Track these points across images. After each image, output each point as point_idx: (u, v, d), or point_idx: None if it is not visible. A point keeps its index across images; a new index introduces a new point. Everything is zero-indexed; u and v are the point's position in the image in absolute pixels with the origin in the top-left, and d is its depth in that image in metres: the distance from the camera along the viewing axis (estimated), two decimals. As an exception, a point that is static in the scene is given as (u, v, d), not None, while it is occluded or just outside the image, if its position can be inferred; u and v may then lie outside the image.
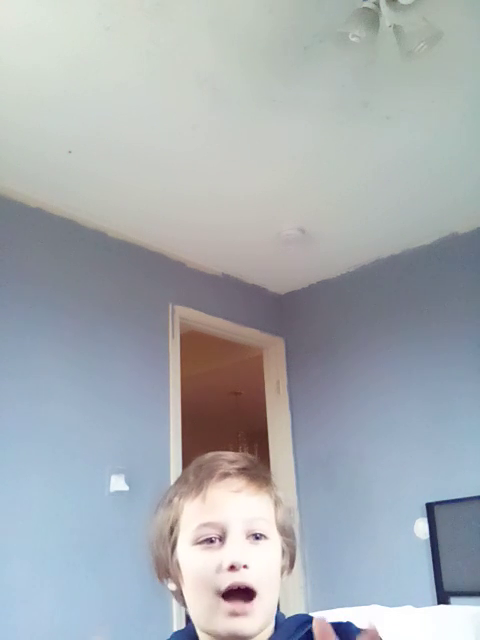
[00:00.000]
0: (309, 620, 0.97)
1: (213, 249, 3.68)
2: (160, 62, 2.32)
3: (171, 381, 3.42)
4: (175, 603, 2.98)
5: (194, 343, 3.96)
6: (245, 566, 0.89)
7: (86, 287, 3.19)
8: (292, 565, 1.00)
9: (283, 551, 0.97)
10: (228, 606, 0.87)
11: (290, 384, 4.06)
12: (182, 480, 0.99)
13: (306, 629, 0.95)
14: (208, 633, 0.92)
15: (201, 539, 0.91)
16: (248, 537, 0.92)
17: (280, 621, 0.96)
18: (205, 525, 0.92)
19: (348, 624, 0.93)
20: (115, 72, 2.36)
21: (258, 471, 0.99)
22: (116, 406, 3.13)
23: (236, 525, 0.91)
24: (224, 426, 6.58)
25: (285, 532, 0.98)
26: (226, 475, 0.95)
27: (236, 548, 0.90)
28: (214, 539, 0.91)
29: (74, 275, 3.16)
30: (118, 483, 2.99)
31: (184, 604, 0.98)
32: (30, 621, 2.55)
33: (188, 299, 3.65)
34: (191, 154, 2.83)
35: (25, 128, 2.63)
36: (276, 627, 0.95)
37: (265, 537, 0.93)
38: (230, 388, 6.19)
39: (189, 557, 0.92)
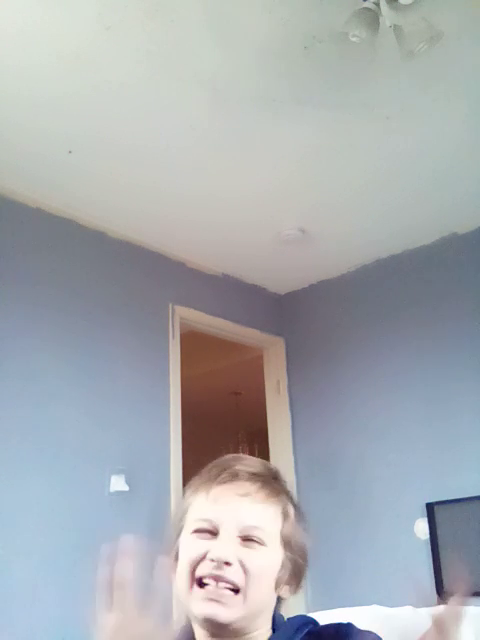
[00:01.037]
0: (309, 621, 0.97)
1: (213, 249, 3.68)
2: (160, 62, 2.32)
3: (171, 381, 3.42)
4: (175, 603, 2.98)
5: (194, 343, 3.96)
6: (227, 563, 0.90)
7: (86, 287, 3.18)
8: (297, 584, 0.99)
9: (283, 564, 0.97)
10: (201, 591, 0.90)
11: (290, 384, 4.06)
12: (199, 475, 1.02)
13: (306, 631, 0.95)
14: (191, 617, 0.95)
15: (197, 530, 0.95)
16: (242, 539, 0.93)
17: (279, 622, 0.96)
18: (202, 519, 0.95)
19: (349, 625, 0.93)
20: (115, 72, 2.36)
21: (273, 480, 1.00)
22: (116, 406, 3.13)
23: (230, 525, 0.93)
24: (224, 426, 6.57)
25: (290, 547, 0.98)
26: (235, 477, 0.97)
27: (223, 545, 0.92)
28: (208, 531, 0.94)
29: (74, 275, 3.15)
30: (118, 483, 2.99)
31: None
32: (30, 621, 2.55)
33: (188, 299, 3.65)
34: (191, 154, 2.83)
35: (25, 128, 2.62)
36: (275, 629, 0.95)
37: (260, 543, 0.94)
38: (230, 388, 6.19)
39: (185, 543, 0.97)
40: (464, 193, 3.20)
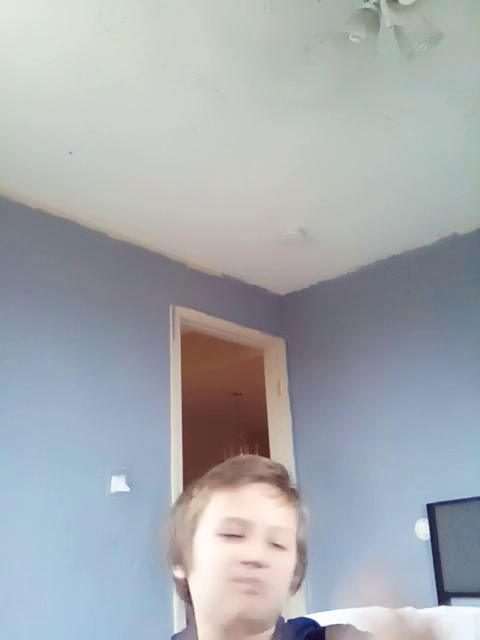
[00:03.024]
0: (310, 623, 0.97)
1: (213, 250, 3.68)
2: (160, 62, 2.32)
3: (172, 382, 3.42)
4: (176, 604, 2.98)
5: (195, 344, 3.96)
6: (262, 566, 0.90)
7: (87, 288, 3.18)
8: (298, 587, 1.00)
9: (296, 568, 0.98)
10: (241, 585, 0.89)
11: (291, 385, 4.06)
12: (216, 474, 0.99)
13: (306, 633, 0.94)
14: (214, 621, 0.92)
15: (225, 531, 0.93)
16: (268, 543, 0.93)
17: (280, 624, 0.96)
18: (232, 519, 0.93)
19: (349, 627, 0.93)
20: (115, 72, 2.36)
21: (290, 483, 1.00)
22: (117, 407, 3.13)
23: (261, 528, 0.93)
24: (225, 427, 6.57)
25: (301, 550, 0.99)
26: (262, 478, 0.97)
27: (258, 548, 0.91)
28: (237, 534, 0.92)
29: (75, 276, 3.15)
30: (119, 484, 2.99)
31: (185, 596, 0.98)
32: (30, 621, 2.55)
33: (189, 300, 3.65)
34: (191, 154, 2.83)
35: (26, 128, 2.62)
36: (275, 632, 0.95)
37: (283, 548, 0.94)
38: (231, 389, 6.19)
39: (209, 546, 0.94)
40: (464, 193, 3.20)
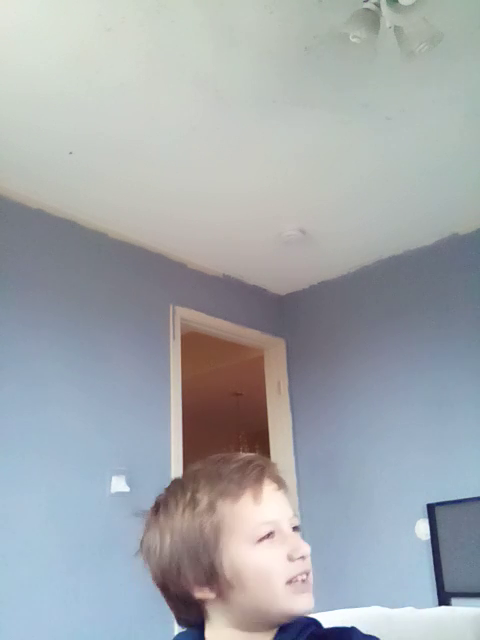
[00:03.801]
0: (312, 622, 0.97)
1: (214, 250, 3.68)
2: (160, 62, 2.32)
3: (172, 382, 3.42)
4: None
5: (195, 344, 3.96)
6: (308, 555, 0.94)
7: (86, 289, 3.18)
8: None
9: None
10: (303, 585, 0.93)
11: (291, 385, 4.06)
12: (222, 485, 0.95)
13: (309, 632, 0.94)
14: (262, 624, 0.92)
15: (261, 536, 0.92)
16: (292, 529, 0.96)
17: (282, 624, 0.95)
18: (265, 523, 0.93)
19: (352, 630, 0.92)
20: (116, 72, 2.36)
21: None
22: (117, 407, 3.13)
23: (286, 521, 0.95)
24: (225, 427, 6.58)
25: None
26: (269, 475, 0.97)
27: (301, 540, 0.95)
28: (271, 534, 0.92)
29: (74, 277, 3.15)
30: (119, 484, 2.99)
31: (195, 617, 0.95)
32: (31, 622, 2.55)
33: (189, 300, 3.65)
34: (192, 154, 2.83)
35: (26, 128, 2.62)
36: (280, 630, 0.94)
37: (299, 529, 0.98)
38: (231, 389, 6.19)
39: (254, 554, 0.91)
40: (464, 193, 3.20)
